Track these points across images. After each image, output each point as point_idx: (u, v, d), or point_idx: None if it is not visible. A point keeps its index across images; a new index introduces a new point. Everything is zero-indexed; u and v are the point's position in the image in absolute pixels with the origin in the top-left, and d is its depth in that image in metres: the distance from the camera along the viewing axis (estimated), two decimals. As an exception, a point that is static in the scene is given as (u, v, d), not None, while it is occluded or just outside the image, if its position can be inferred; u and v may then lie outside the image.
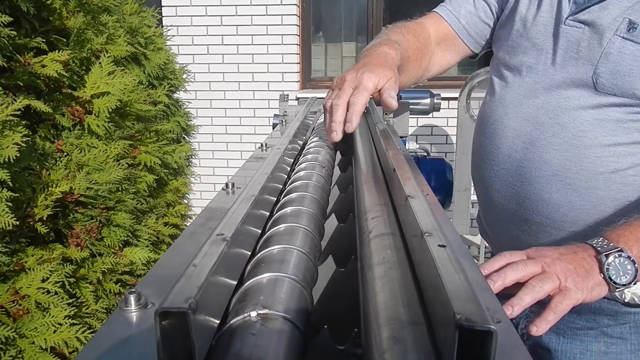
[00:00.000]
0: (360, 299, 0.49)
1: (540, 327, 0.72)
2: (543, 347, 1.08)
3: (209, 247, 0.42)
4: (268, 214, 0.67)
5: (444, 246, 0.43)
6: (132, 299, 0.44)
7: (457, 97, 3.75)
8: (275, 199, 0.75)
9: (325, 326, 0.49)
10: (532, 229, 1.04)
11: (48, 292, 1.17)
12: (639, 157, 0.92)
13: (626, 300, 0.96)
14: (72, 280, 1.29)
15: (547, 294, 0.72)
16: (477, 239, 4.00)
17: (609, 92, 0.90)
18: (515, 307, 0.71)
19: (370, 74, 0.92)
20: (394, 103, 0.93)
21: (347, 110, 0.89)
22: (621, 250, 0.74)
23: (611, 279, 0.74)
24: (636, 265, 0.74)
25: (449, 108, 4.15)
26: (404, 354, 0.35)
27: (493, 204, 1.10)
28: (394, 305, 0.42)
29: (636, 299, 0.96)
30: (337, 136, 0.89)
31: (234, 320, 0.40)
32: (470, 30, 1.22)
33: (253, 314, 0.40)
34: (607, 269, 0.73)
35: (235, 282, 0.46)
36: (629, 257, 0.74)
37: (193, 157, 2.90)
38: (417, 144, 1.81)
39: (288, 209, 0.68)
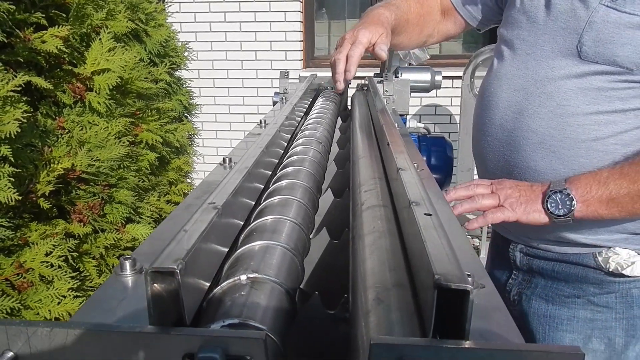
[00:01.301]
0: (350, 266, 0.50)
1: (470, 225, 0.93)
2: (532, 312, 1.12)
3: (200, 215, 0.43)
4: (262, 186, 0.69)
5: (430, 215, 0.44)
6: (127, 264, 0.46)
7: (461, 76, 3.71)
8: (271, 172, 0.76)
9: (316, 292, 0.50)
10: None
11: (52, 265, 1.20)
12: (620, 126, 0.94)
13: (610, 269, 0.99)
14: (75, 254, 1.31)
15: (485, 208, 0.92)
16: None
17: (592, 59, 0.93)
18: (456, 210, 0.90)
19: (365, 30, 1.09)
20: (383, 55, 1.10)
21: (347, 62, 1.06)
22: (566, 189, 0.89)
23: (549, 210, 0.89)
24: (574, 202, 0.88)
25: (452, 87, 4.12)
26: (387, 314, 0.37)
27: (488, 173, 1.14)
28: (381, 271, 0.44)
29: (619, 269, 0.98)
30: (341, 85, 1.08)
31: (225, 283, 0.41)
32: (466, 3, 1.27)
33: (243, 277, 0.41)
34: (547, 201, 0.89)
35: (226, 250, 0.48)
36: (568, 195, 0.88)
37: (196, 136, 2.90)
38: (417, 122, 1.81)
39: (283, 182, 0.69)
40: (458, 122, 4.06)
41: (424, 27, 1.32)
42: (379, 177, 0.71)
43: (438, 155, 1.71)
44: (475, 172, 1.43)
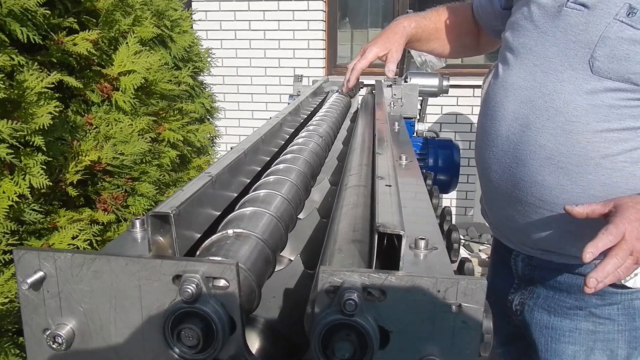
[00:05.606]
0: (327, 231, 0.58)
1: (596, 283, 0.81)
2: (534, 323, 1.12)
3: (196, 180, 0.51)
4: (259, 169, 0.77)
5: (389, 186, 0.52)
6: (137, 223, 0.55)
7: (481, 85, 3.75)
8: (269, 159, 0.84)
9: (299, 255, 0.58)
10: (525, 209, 1.06)
11: (77, 248, 1.30)
12: (630, 144, 0.92)
13: None
14: (99, 239, 1.42)
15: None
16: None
17: (604, 75, 0.90)
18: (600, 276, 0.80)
19: (373, 47, 1.31)
20: (390, 75, 1.33)
21: (350, 73, 1.35)
22: None
23: None
24: None
25: (473, 96, 4.14)
26: (344, 259, 0.44)
27: (491, 184, 1.12)
28: (347, 231, 0.51)
29: (621, 280, 0.99)
30: (345, 88, 1.41)
31: (214, 236, 0.49)
32: (483, 19, 1.31)
33: (230, 231, 0.49)
34: None
35: (218, 213, 0.56)
36: None
37: (219, 139, 3.01)
38: (425, 125, 1.87)
39: (280, 166, 0.77)
40: (477, 130, 4.07)
41: (461, 36, 1.38)
42: (366, 164, 0.78)
43: (445, 157, 1.77)
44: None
